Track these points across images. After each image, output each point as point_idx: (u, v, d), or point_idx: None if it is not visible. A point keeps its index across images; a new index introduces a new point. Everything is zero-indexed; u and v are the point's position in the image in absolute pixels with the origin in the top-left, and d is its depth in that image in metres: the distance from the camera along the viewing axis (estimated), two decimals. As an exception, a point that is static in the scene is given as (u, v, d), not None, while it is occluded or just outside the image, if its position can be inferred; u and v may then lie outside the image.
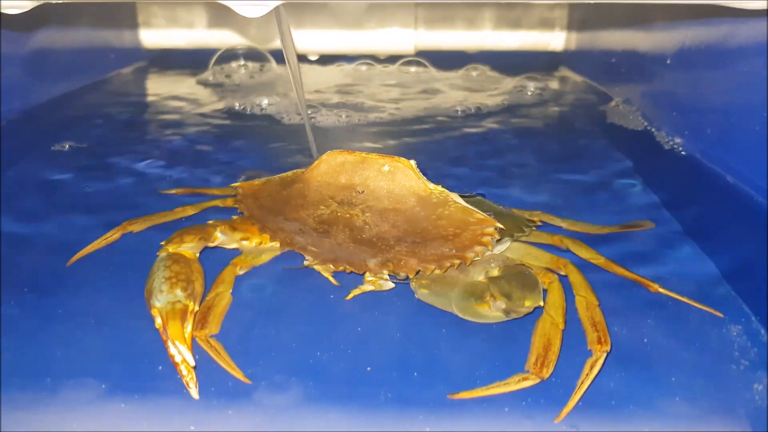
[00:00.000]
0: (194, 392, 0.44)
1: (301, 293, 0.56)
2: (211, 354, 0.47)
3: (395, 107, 1.18)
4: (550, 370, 0.45)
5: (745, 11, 0.58)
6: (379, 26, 1.49)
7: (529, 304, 0.49)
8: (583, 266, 0.56)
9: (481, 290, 0.51)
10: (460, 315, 0.51)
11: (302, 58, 1.51)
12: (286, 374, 0.46)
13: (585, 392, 0.44)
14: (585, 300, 0.51)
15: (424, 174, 0.58)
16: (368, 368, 0.47)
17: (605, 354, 0.45)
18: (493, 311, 0.50)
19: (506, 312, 0.49)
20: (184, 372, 0.44)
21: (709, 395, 0.45)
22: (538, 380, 0.44)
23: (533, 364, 0.45)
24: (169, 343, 0.46)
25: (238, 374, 0.46)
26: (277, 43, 1.52)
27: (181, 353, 0.45)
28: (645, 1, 0.62)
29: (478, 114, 1.15)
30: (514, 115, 1.14)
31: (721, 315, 0.54)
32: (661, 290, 0.56)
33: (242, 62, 1.23)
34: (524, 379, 0.45)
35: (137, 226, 0.63)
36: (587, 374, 0.44)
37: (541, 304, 0.50)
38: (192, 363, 0.45)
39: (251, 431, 0.42)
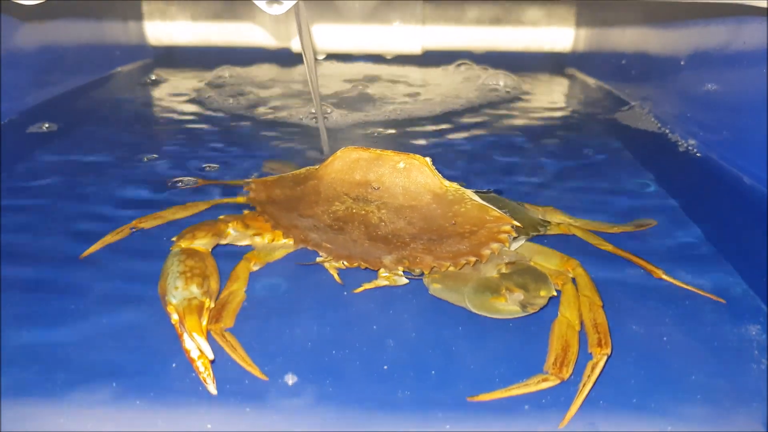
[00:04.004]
0: (212, 388, 0.43)
1: (316, 291, 0.56)
2: (227, 349, 0.46)
3: (403, 105, 1.18)
4: (570, 371, 0.44)
5: (757, 9, 0.57)
6: (387, 26, 1.49)
7: (544, 294, 0.49)
8: (592, 255, 0.55)
9: (496, 285, 0.51)
10: (474, 310, 0.50)
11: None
12: (302, 373, 0.46)
13: (588, 394, 0.43)
14: (588, 300, 0.50)
15: (440, 171, 0.58)
16: (385, 367, 0.46)
17: (605, 357, 0.45)
18: (510, 304, 0.49)
19: (523, 304, 0.49)
20: (201, 368, 0.44)
21: (730, 395, 0.45)
22: (558, 381, 0.44)
23: (552, 365, 0.45)
24: (185, 338, 0.45)
25: (254, 370, 0.45)
26: (285, 41, 1.52)
27: (199, 346, 0.44)
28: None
29: (488, 114, 1.15)
30: (525, 116, 1.14)
31: (723, 301, 0.55)
32: (665, 277, 0.57)
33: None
34: (544, 380, 0.44)
35: (148, 223, 0.63)
36: (588, 377, 0.44)
37: (555, 293, 0.50)
38: (211, 356, 0.44)
39: (268, 430, 0.41)
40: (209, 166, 0.84)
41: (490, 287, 0.50)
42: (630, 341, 0.50)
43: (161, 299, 0.49)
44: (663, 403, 0.44)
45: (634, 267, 0.59)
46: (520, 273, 0.52)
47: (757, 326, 0.52)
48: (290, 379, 0.45)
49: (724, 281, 0.58)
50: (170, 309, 0.47)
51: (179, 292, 0.48)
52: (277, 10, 0.56)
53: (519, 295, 0.49)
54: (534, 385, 0.44)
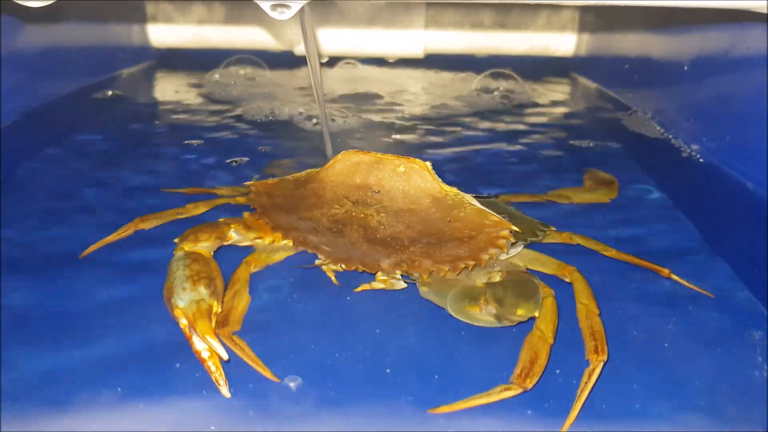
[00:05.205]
0: (225, 390, 0.43)
1: (318, 294, 0.56)
2: (237, 352, 0.46)
3: (405, 108, 1.18)
4: (534, 381, 0.44)
5: (759, 15, 0.57)
6: (389, 29, 1.49)
7: (521, 313, 0.49)
8: (592, 261, 0.55)
9: (477, 293, 0.50)
10: (453, 315, 0.50)
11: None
12: (305, 376, 0.46)
13: (586, 401, 0.43)
14: (585, 308, 0.50)
15: (440, 175, 0.58)
16: (387, 370, 0.46)
17: (602, 363, 0.45)
18: (484, 315, 0.49)
19: (497, 317, 0.49)
20: (213, 369, 0.44)
21: (733, 401, 0.45)
22: (520, 390, 0.44)
23: (518, 375, 0.44)
24: (195, 341, 0.45)
25: (266, 372, 0.45)
26: (289, 45, 1.52)
27: (213, 349, 0.44)
28: (657, 3, 0.62)
29: (489, 119, 1.14)
30: (527, 121, 1.13)
31: (711, 295, 0.56)
32: (673, 276, 0.58)
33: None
34: (507, 389, 0.44)
35: (148, 224, 0.63)
36: (585, 383, 0.44)
37: (536, 315, 0.49)
38: (225, 357, 0.44)
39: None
40: (205, 169, 0.84)
41: (471, 295, 0.50)
42: (632, 346, 0.50)
43: (167, 303, 0.49)
44: (665, 409, 0.44)
45: (636, 271, 0.59)
46: (507, 285, 0.51)
47: (760, 332, 0.52)
48: (293, 382, 0.45)
49: (726, 286, 0.58)
50: (178, 313, 0.47)
51: (186, 294, 0.48)
52: (283, 14, 0.55)
53: (492, 308, 0.49)
54: (496, 395, 0.43)
